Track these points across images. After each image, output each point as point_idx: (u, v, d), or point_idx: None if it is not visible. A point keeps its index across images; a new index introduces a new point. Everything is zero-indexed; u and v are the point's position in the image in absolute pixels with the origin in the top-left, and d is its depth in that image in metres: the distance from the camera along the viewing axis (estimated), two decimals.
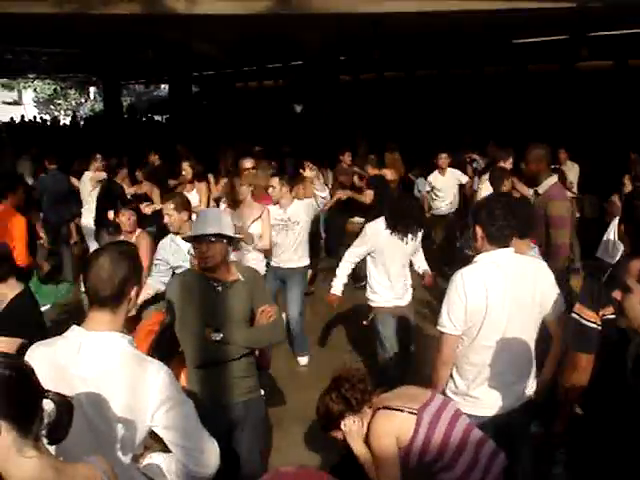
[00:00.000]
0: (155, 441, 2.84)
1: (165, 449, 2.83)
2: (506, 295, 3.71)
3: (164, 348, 4.09)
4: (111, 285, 2.69)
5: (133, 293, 2.76)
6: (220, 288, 4.00)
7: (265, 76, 27.51)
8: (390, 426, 3.42)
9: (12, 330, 3.99)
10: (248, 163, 8.46)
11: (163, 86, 39.28)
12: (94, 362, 2.66)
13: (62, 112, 44.65)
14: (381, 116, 20.30)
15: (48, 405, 2.04)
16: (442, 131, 16.50)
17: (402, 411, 3.43)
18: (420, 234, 6.15)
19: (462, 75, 20.11)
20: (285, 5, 10.49)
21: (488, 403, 3.82)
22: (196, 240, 3.98)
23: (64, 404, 2.08)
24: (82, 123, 33.81)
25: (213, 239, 3.94)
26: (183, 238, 4.53)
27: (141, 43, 13.60)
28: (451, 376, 3.98)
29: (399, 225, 5.87)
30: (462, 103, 19.10)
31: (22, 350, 3.77)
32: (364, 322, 6.29)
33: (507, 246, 3.77)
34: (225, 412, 4.03)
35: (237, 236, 4.24)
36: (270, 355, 4.51)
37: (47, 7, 9.80)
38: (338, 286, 6.15)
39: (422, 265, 6.37)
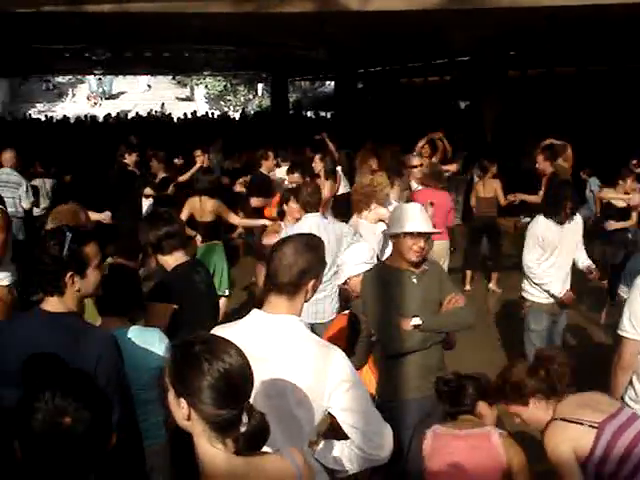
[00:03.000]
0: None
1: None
2: None
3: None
4: (290, 274, 2.79)
5: (310, 285, 2.84)
6: (415, 279, 4.13)
7: (430, 72, 27.30)
8: (565, 436, 3.29)
9: (165, 297, 4.18)
10: (415, 160, 8.49)
11: (328, 82, 39.80)
12: (274, 343, 2.76)
13: (231, 108, 46.18)
14: (550, 113, 19.67)
15: (246, 418, 2.13)
16: (614, 130, 15.83)
17: (581, 424, 3.28)
18: (581, 223, 6.04)
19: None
20: (457, 1, 10.40)
21: None
22: (414, 235, 4.14)
23: (258, 420, 2.15)
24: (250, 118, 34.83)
25: (429, 236, 4.14)
26: (394, 233, 4.45)
27: (313, 41, 13.86)
28: (630, 383, 3.85)
29: (558, 210, 5.81)
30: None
31: (173, 316, 4.06)
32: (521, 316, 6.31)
33: None
34: (416, 405, 4.11)
35: (434, 231, 4.40)
36: (455, 339, 4.55)
37: (225, 6, 10.19)
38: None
39: (585, 260, 6.21)
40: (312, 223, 6.02)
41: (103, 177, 10.03)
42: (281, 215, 7.21)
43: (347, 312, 4.53)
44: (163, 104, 42.84)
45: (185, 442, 3.62)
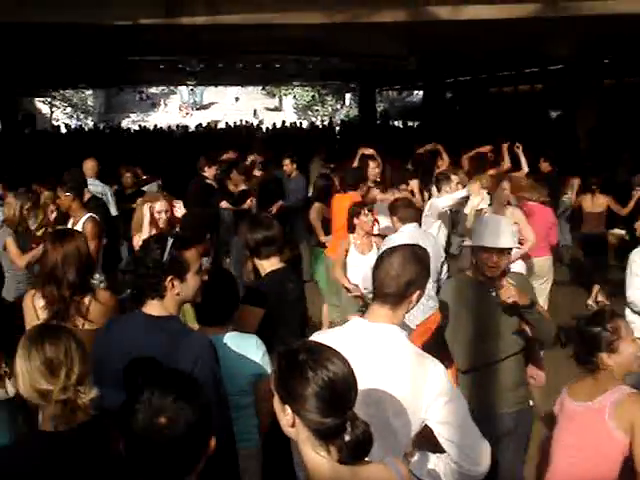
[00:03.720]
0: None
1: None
2: None
3: (434, 348, 4.18)
4: (396, 284, 2.78)
5: (415, 296, 2.84)
6: (494, 293, 4.02)
7: (522, 81, 26.88)
8: None
9: (256, 301, 4.19)
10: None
11: (416, 92, 39.66)
12: (374, 352, 2.76)
13: (319, 118, 46.50)
14: None
15: (349, 427, 2.13)
16: None
17: None
18: None
19: None
20: (550, 8, 10.22)
21: None
22: (488, 250, 4.05)
23: (361, 429, 2.15)
24: (338, 128, 34.97)
25: (508, 251, 4.04)
26: (471, 246, 4.47)
27: (403, 50, 13.85)
28: None
29: None
30: None
31: (262, 322, 4.06)
32: None
33: None
34: (494, 422, 4.01)
35: (517, 246, 4.26)
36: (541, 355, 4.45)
37: (317, 17, 10.28)
38: None
39: None
40: (411, 234, 6.00)
41: (184, 189, 10.20)
42: (352, 229, 7.16)
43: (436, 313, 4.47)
44: (255, 111, 43.23)
45: (277, 449, 3.68)
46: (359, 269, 6.73)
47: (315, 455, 2.10)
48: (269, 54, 16.22)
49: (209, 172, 10.33)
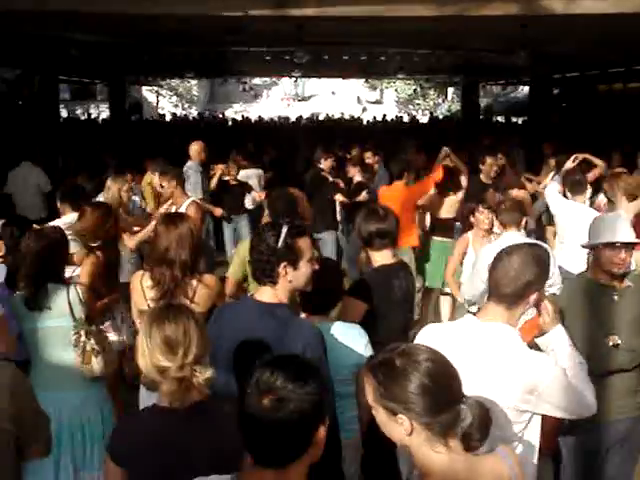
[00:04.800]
0: None
1: None
2: None
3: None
4: (514, 285, 2.75)
5: (532, 298, 2.79)
6: (616, 295, 3.92)
7: (631, 78, 25.95)
8: None
9: (361, 294, 4.19)
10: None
11: (521, 87, 38.86)
12: (484, 351, 2.73)
13: (420, 112, 46.16)
14: None
15: (465, 412, 2.15)
16: None
17: None
18: None
19: None
20: None
21: None
22: (613, 247, 3.94)
23: (480, 413, 2.17)
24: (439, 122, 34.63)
25: (632, 247, 3.95)
26: (592, 244, 4.24)
27: (512, 44, 13.59)
28: None
29: None
30: None
31: (365, 316, 4.06)
32: None
33: None
34: (608, 429, 3.90)
35: (635, 241, 4.12)
36: None
37: (428, 10, 10.19)
38: None
39: None
40: (512, 241, 5.84)
41: (299, 181, 10.28)
42: (468, 227, 7.03)
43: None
44: (359, 97, 42.46)
45: (375, 441, 3.68)
46: None
47: (432, 453, 2.11)
48: (375, 46, 16.20)
49: (325, 164, 10.40)
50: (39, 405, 2.57)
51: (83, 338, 4.15)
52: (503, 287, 2.76)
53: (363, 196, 9.50)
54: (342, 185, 9.97)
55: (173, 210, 6.53)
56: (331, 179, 10.07)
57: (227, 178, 10.14)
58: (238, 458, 2.60)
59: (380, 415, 2.20)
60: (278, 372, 2.02)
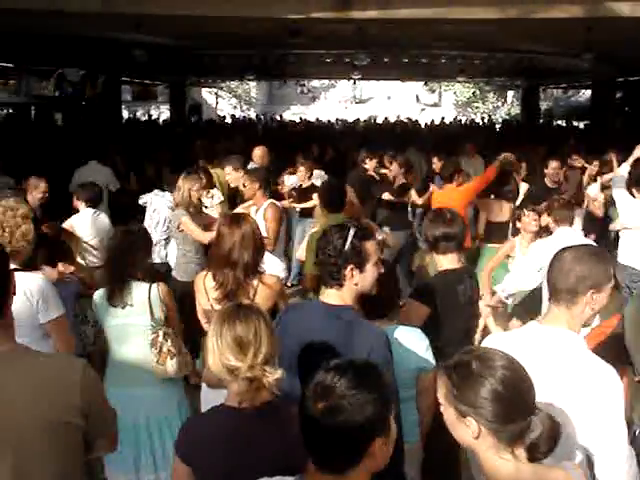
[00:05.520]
0: None
1: None
2: None
3: (604, 353, 4.02)
4: (567, 279, 2.72)
5: (591, 296, 2.73)
6: None
7: None
8: None
9: (424, 298, 4.19)
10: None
11: (582, 91, 38.22)
12: (548, 357, 2.70)
13: (478, 115, 45.70)
14: None
15: (535, 423, 2.13)
16: None
17: None
18: None
19: None
20: None
21: None
22: None
23: (550, 426, 2.15)
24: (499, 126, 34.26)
25: None
26: None
27: (576, 48, 13.38)
28: None
29: None
30: None
31: (428, 320, 4.06)
32: None
33: None
34: None
35: None
36: None
37: (490, 12, 10.11)
38: None
39: None
40: (564, 238, 5.80)
41: (343, 179, 10.26)
42: (517, 231, 6.98)
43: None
44: (417, 96, 41.90)
45: (436, 446, 3.67)
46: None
47: (498, 459, 2.10)
48: (436, 49, 16.13)
49: (370, 164, 10.38)
50: (107, 401, 2.62)
51: (160, 339, 4.22)
52: (558, 283, 2.75)
53: (408, 196, 9.49)
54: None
55: (253, 211, 6.58)
56: (377, 178, 10.12)
57: (305, 185, 10.11)
58: (303, 460, 2.62)
59: (449, 414, 2.20)
60: (339, 377, 2.02)
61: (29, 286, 3.88)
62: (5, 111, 27.89)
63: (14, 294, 2.40)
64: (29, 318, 3.85)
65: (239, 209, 7.02)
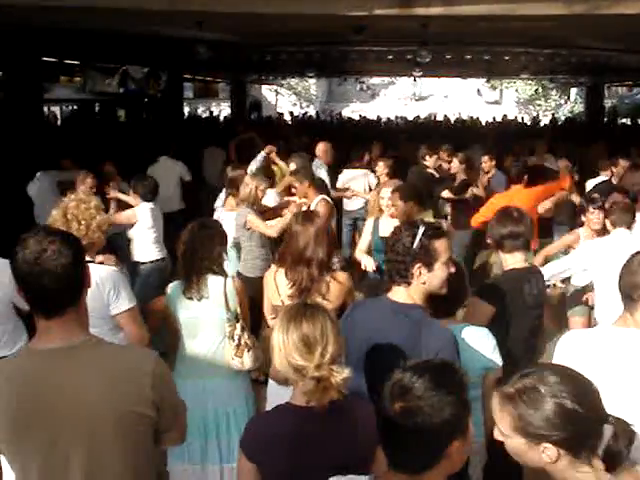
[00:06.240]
0: None
1: None
2: None
3: None
4: (632, 282, 2.70)
5: None
6: None
7: None
8: None
9: (489, 297, 4.14)
10: None
11: None
12: (623, 359, 2.65)
13: (540, 113, 45.02)
14: None
15: (607, 430, 2.07)
16: None
17: None
18: None
19: None
20: None
21: None
22: None
23: (624, 432, 2.09)
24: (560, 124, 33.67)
25: None
26: None
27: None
28: None
29: None
30: None
31: (492, 320, 4.00)
32: None
33: None
34: None
35: None
36: None
37: (556, 8, 9.91)
38: None
39: None
40: (619, 240, 5.70)
41: (404, 177, 10.20)
42: (580, 224, 6.90)
43: None
44: (479, 90, 41.39)
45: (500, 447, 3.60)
46: None
47: (579, 474, 2.04)
48: (499, 46, 15.92)
49: (430, 161, 10.29)
50: (178, 393, 2.64)
51: (238, 331, 4.26)
52: (629, 287, 2.72)
53: (469, 193, 9.37)
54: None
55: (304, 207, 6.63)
56: (437, 176, 10.02)
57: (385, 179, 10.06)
58: (370, 459, 2.61)
59: (516, 444, 2.12)
60: (417, 378, 2.01)
61: (101, 278, 3.95)
62: (70, 107, 28.51)
63: (89, 286, 2.44)
64: (100, 310, 3.92)
65: (293, 208, 7.08)
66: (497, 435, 2.20)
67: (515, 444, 2.13)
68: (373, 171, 10.44)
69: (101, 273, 3.98)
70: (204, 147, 14.38)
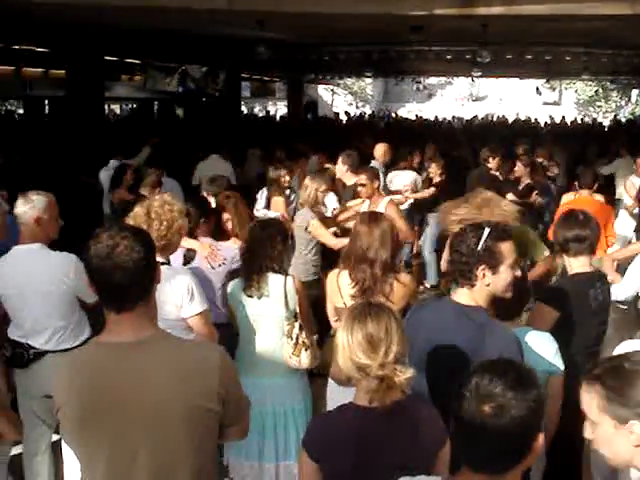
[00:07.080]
0: None
1: None
2: None
3: None
4: None
5: None
6: None
7: None
8: None
9: (553, 302, 4.06)
10: None
11: None
12: None
13: (601, 114, 44.25)
14: None
15: None
16: None
17: None
18: None
19: None
20: None
21: None
22: None
23: None
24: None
25: None
26: None
27: None
28: None
29: None
30: None
31: (557, 324, 3.92)
32: None
33: None
34: None
35: None
36: None
37: (621, 8, 9.73)
38: None
39: None
40: None
41: (463, 178, 10.11)
42: None
43: None
44: (537, 88, 40.80)
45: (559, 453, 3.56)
46: None
47: None
48: (560, 46, 15.70)
49: (493, 163, 10.18)
50: (242, 388, 2.67)
51: (296, 330, 4.28)
52: None
53: (533, 197, 9.22)
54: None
55: (365, 208, 6.59)
56: (501, 178, 9.87)
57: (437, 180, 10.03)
58: (432, 460, 2.60)
59: (603, 430, 2.11)
60: (498, 378, 2.00)
61: (175, 280, 3.98)
62: (130, 106, 28.99)
63: (158, 282, 2.48)
64: (173, 312, 3.96)
65: (351, 204, 7.09)
66: (587, 433, 2.19)
67: (602, 432, 2.12)
68: (420, 172, 10.38)
69: (176, 275, 4.01)
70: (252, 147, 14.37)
